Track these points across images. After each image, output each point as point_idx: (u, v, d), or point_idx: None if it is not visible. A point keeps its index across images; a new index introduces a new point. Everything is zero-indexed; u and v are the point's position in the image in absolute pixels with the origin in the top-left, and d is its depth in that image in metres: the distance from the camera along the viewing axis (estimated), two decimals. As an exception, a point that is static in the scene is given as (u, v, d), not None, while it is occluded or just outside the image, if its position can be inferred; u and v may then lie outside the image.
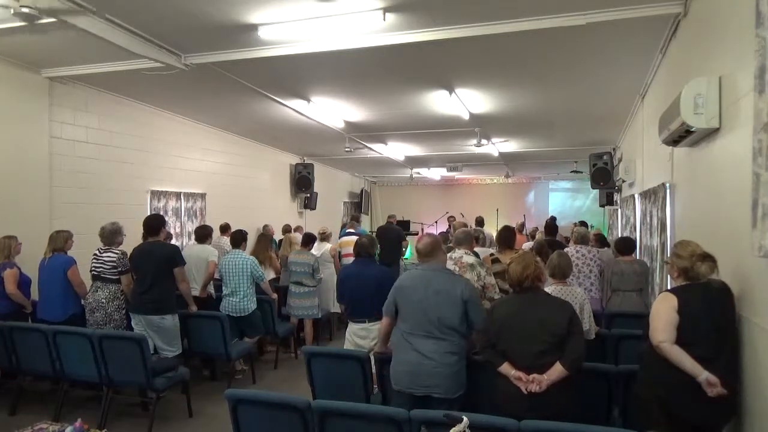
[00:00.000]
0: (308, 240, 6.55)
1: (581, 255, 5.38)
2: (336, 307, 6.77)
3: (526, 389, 2.62)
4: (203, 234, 5.84)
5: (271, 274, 6.49)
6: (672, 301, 2.49)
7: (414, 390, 2.97)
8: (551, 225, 8.10)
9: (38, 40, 4.41)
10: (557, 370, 2.62)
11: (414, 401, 2.90)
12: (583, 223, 9.78)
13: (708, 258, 2.50)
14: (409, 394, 2.98)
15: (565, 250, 6.18)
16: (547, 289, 3.72)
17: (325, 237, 7.21)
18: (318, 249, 6.77)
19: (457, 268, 3.85)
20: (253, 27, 4.05)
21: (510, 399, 2.69)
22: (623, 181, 7.49)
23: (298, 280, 6.19)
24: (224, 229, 7.35)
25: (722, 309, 2.48)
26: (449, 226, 10.69)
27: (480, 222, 9.85)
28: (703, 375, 2.32)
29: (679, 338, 2.42)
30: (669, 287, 2.88)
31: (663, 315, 2.48)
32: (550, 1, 3.61)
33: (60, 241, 4.64)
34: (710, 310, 2.45)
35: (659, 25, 3.97)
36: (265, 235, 7.05)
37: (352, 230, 7.72)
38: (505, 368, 2.72)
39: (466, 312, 3.01)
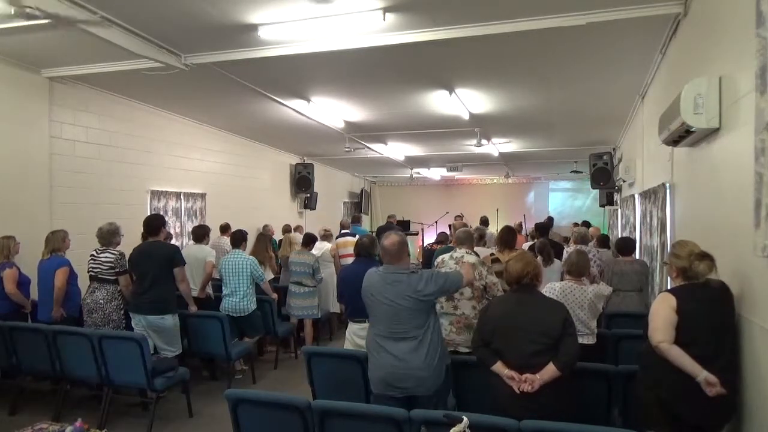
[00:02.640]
0: (309, 240, 6.54)
1: (581, 255, 5.38)
2: (336, 307, 6.78)
3: (518, 389, 2.62)
4: (201, 234, 5.85)
5: (270, 275, 6.49)
6: (671, 301, 2.49)
7: (393, 392, 2.92)
8: (542, 226, 8.06)
9: (38, 40, 4.41)
10: (550, 371, 2.62)
11: (395, 403, 2.84)
12: (586, 223, 9.76)
13: (706, 257, 2.50)
14: (390, 397, 2.92)
15: (565, 249, 6.20)
16: (559, 285, 3.76)
17: (325, 237, 7.22)
18: (318, 249, 6.77)
19: (459, 268, 3.85)
20: (253, 27, 4.04)
21: (503, 398, 2.69)
22: (623, 181, 7.50)
23: (299, 280, 6.18)
24: (224, 229, 7.35)
25: (721, 308, 2.48)
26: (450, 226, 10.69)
27: (485, 222, 9.85)
28: (702, 375, 2.32)
29: (678, 338, 2.42)
30: (669, 287, 2.88)
31: (662, 315, 2.48)
32: (550, 1, 3.61)
33: (57, 241, 4.63)
34: (709, 309, 2.45)
35: (659, 25, 3.97)
36: (264, 235, 7.05)
37: (347, 230, 7.71)
38: (498, 367, 2.71)
39: (434, 293, 2.97)
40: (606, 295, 3.82)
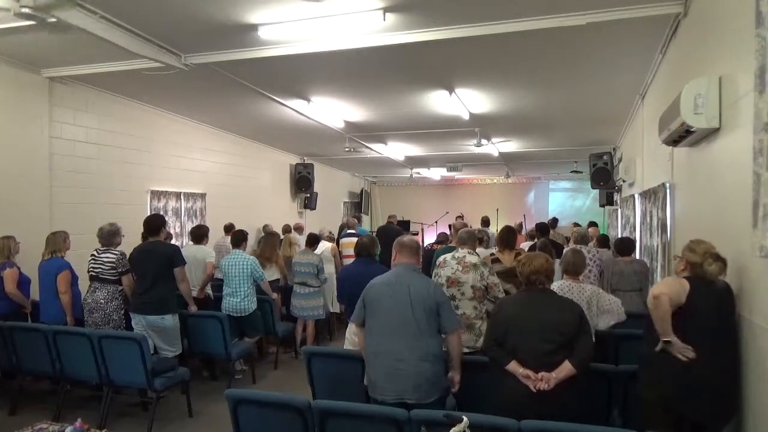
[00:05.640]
0: (313, 240, 6.54)
1: (581, 255, 5.37)
2: (336, 307, 6.78)
3: (535, 387, 2.60)
4: (199, 234, 5.84)
5: (275, 275, 6.45)
6: (685, 285, 2.49)
7: (386, 397, 2.85)
8: (543, 225, 8.07)
9: (38, 40, 4.41)
10: (566, 369, 2.61)
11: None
12: (593, 223, 9.72)
13: (720, 259, 2.49)
14: (382, 401, 2.85)
15: (565, 250, 6.20)
16: (557, 284, 3.75)
17: (329, 239, 7.21)
18: (319, 248, 6.76)
19: (461, 268, 3.85)
20: (253, 27, 4.05)
21: (517, 397, 2.66)
22: (623, 181, 7.50)
23: (303, 280, 6.17)
24: (228, 229, 7.34)
25: (725, 309, 2.49)
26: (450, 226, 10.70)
27: (486, 222, 9.82)
28: (672, 338, 2.39)
29: (682, 328, 2.42)
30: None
31: (673, 287, 2.48)
32: (550, 1, 3.61)
33: (59, 243, 4.62)
34: (716, 308, 2.45)
35: (659, 25, 3.98)
36: (273, 235, 7.01)
37: (352, 231, 7.70)
38: (513, 366, 2.68)
39: (438, 315, 2.94)
40: (616, 314, 3.74)
